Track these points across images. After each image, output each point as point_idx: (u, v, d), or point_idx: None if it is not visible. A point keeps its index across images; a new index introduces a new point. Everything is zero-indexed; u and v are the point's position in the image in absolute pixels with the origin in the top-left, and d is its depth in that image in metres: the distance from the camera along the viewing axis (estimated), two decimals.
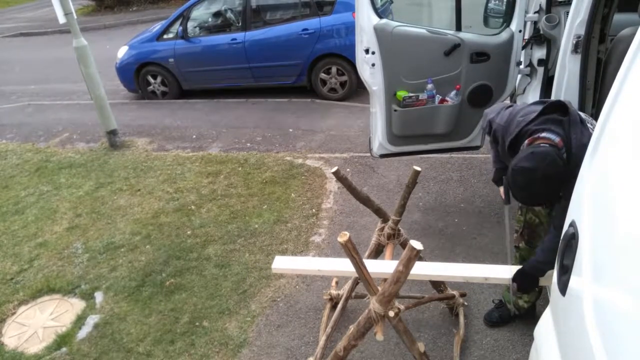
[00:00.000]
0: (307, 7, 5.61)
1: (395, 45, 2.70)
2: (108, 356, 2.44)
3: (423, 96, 2.83)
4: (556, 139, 1.58)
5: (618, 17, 2.37)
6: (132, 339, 2.52)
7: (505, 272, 1.75)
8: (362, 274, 1.57)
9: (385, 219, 2.17)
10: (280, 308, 2.63)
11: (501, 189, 2.13)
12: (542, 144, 1.57)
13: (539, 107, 1.71)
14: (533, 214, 1.98)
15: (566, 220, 1.29)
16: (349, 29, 5.21)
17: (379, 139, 3.01)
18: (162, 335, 2.52)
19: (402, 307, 1.65)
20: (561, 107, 1.67)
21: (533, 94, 2.95)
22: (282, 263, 1.91)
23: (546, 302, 1.46)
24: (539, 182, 1.52)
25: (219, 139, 4.89)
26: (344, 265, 1.76)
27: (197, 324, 2.56)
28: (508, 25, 2.76)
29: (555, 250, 1.33)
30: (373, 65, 2.74)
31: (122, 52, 6.24)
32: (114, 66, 6.33)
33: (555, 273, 1.29)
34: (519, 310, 2.27)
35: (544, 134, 1.61)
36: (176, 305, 2.71)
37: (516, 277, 1.74)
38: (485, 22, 3.55)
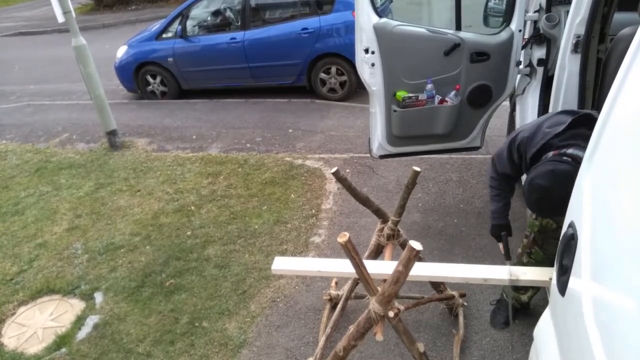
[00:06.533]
0: (306, 6, 5.59)
1: (395, 44, 2.69)
2: (108, 357, 2.44)
3: (423, 96, 2.82)
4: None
5: (618, 17, 2.37)
6: (131, 340, 2.51)
7: (504, 273, 1.75)
8: (362, 275, 1.57)
9: (384, 220, 2.17)
10: (280, 308, 2.63)
11: (500, 245, 2.08)
12: (565, 159, 1.54)
13: (568, 118, 1.65)
14: (551, 219, 1.93)
15: (565, 221, 1.29)
16: (349, 28, 5.20)
17: (378, 139, 3.01)
18: (161, 335, 2.52)
19: (401, 307, 1.65)
20: (590, 119, 1.61)
21: (533, 94, 2.95)
22: (282, 264, 1.91)
23: (546, 302, 1.46)
24: (553, 200, 1.50)
25: (218, 140, 4.89)
26: (344, 266, 1.76)
27: (196, 324, 2.56)
28: (508, 25, 2.75)
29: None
30: (373, 65, 2.74)
31: (121, 51, 6.23)
32: (113, 65, 6.32)
33: (554, 273, 1.29)
34: (521, 304, 2.27)
35: (570, 150, 1.57)
36: (176, 305, 2.71)
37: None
38: (485, 21, 3.55)
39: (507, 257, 2.03)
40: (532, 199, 1.59)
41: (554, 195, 1.50)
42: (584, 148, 1.55)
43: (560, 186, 1.48)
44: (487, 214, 3.18)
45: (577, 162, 1.53)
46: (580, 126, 1.63)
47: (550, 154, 1.62)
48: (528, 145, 1.76)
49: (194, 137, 5.01)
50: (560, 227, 1.94)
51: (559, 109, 2.45)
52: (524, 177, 2.25)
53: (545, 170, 1.55)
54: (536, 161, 1.70)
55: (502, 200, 2.02)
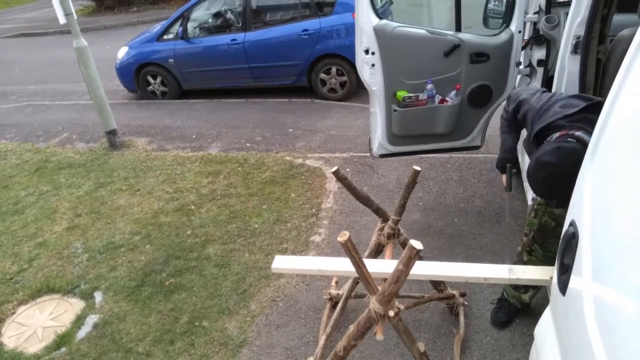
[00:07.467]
0: (307, 8, 5.61)
1: (395, 45, 2.70)
2: (107, 356, 2.44)
3: (423, 96, 2.83)
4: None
5: (618, 18, 2.37)
6: (131, 339, 2.51)
7: (504, 271, 1.75)
8: (362, 274, 1.57)
9: (385, 219, 2.17)
10: (280, 308, 2.63)
11: (504, 176, 2.15)
12: (570, 140, 1.55)
13: (581, 103, 1.66)
14: (550, 217, 1.92)
15: (566, 220, 1.29)
16: (349, 29, 5.22)
17: (378, 139, 3.01)
18: (161, 335, 2.52)
19: (402, 306, 1.65)
20: (602, 107, 1.64)
21: None
22: (282, 263, 1.90)
23: (547, 301, 1.46)
24: (560, 178, 1.51)
25: (218, 139, 4.89)
26: (344, 265, 1.76)
27: (196, 323, 2.56)
28: (508, 26, 2.76)
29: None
30: (373, 65, 2.74)
31: (122, 52, 6.24)
32: (114, 66, 6.33)
33: (555, 272, 1.29)
34: (522, 304, 2.28)
35: (578, 133, 1.57)
36: (176, 305, 2.71)
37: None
38: (485, 22, 3.55)
39: (508, 189, 2.08)
40: (539, 177, 1.58)
41: (561, 172, 1.50)
42: (591, 133, 1.56)
43: (567, 163, 1.49)
44: (488, 212, 3.20)
45: (582, 144, 1.53)
46: (593, 112, 1.64)
47: (557, 134, 1.62)
48: (536, 118, 1.76)
49: (194, 136, 5.01)
50: (560, 226, 1.94)
51: None
52: (524, 171, 2.26)
53: (552, 148, 1.55)
54: (540, 139, 1.70)
55: (510, 134, 2.06)
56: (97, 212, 3.72)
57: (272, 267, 1.89)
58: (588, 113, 1.63)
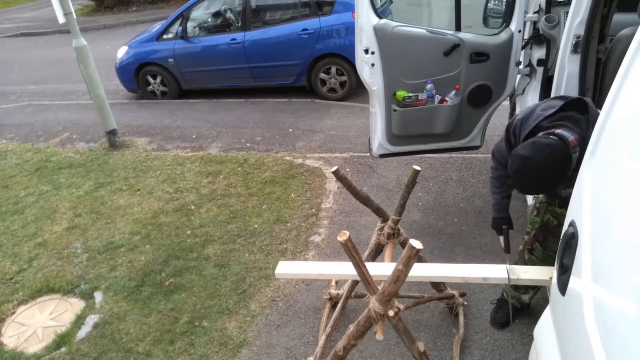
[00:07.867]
0: (307, 8, 5.61)
1: (395, 45, 2.70)
2: (108, 356, 2.44)
3: (423, 96, 2.83)
4: (570, 137, 1.56)
5: (618, 17, 2.37)
6: (131, 339, 2.51)
7: (504, 272, 1.75)
8: (362, 274, 1.57)
9: (385, 219, 2.17)
10: (280, 308, 2.63)
11: (501, 238, 2.08)
12: (552, 138, 1.56)
13: (560, 102, 1.69)
14: (552, 216, 1.92)
15: (566, 220, 1.29)
16: (349, 29, 5.21)
17: (378, 139, 3.01)
18: (161, 335, 2.52)
19: (402, 306, 1.65)
20: (582, 104, 1.66)
21: (533, 94, 2.96)
22: (285, 269, 1.90)
23: (546, 302, 1.46)
24: (533, 172, 1.53)
25: (218, 139, 4.89)
26: (345, 269, 1.76)
27: (196, 324, 2.56)
28: (508, 26, 2.76)
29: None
30: (373, 65, 2.74)
31: (122, 52, 6.24)
32: (113, 66, 6.33)
33: (555, 273, 1.29)
34: (522, 304, 2.28)
35: (559, 131, 1.59)
36: (176, 305, 2.71)
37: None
38: (485, 22, 3.55)
39: (507, 251, 2.06)
40: (513, 170, 1.60)
41: (533, 166, 1.52)
42: (571, 129, 1.59)
43: (539, 157, 1.51)
44: (488, 212, 3.20)
45: (563, 141, 1.55)
46: (572, 110, 1.66)
47: (540, 134, 1.65)
48: (522, 127, 1.78)
49: (194, 136, 5.01)
50: (562, 225, 1.94)
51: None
52: None
53: (528, 143, 1.58)
54: None
55: (503, 194, 2.04)
56: (97, 212, 3.72)
57: (275, 274, 1.89)
58: (567, 111, 1.65)
